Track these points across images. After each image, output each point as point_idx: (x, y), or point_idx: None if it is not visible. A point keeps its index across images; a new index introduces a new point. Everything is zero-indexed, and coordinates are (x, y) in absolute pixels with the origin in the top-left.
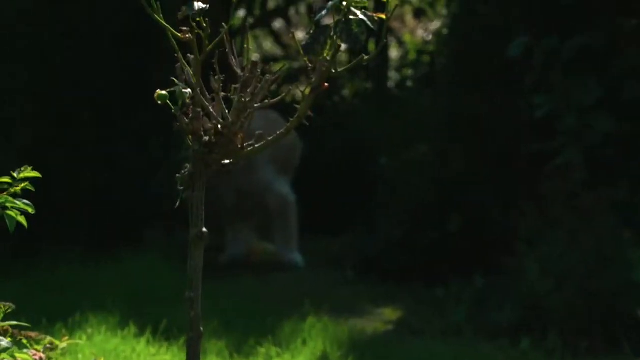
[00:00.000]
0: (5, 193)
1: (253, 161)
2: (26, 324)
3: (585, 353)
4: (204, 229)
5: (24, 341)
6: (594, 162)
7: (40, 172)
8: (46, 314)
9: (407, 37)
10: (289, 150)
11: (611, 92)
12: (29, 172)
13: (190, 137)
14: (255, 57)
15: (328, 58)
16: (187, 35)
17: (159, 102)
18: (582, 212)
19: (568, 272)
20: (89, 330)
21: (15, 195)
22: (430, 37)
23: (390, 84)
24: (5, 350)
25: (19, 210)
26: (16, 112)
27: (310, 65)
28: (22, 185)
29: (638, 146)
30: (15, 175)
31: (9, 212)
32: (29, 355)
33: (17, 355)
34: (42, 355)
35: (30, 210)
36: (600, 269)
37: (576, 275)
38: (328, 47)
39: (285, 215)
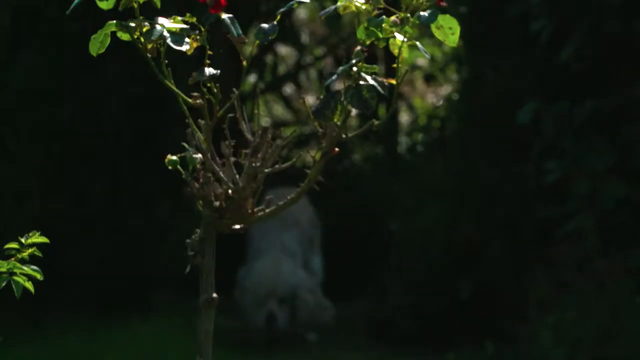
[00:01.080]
0: (13, 259)
1: None
2: None
3: None
4: (214, 295)
5: None
6: (606, 228)
7: (50, 239)
8: None
9: (417, 102)
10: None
11: (623, 157)
12: (37, 238)
13: (201, 202)
14: (265, 122)
15: (338, 123)
16: (198, 101)
17: (170, 167)
18: (595, 278)
19: (581, 340)
20: None
21: (23, 261)
22: (441, 102)
23: (401, 148)
24: None
25: (27, 276)
26: (31, 185)
27: (320, 130)
28: (30, 250)
29: None
30: (23, 241)
31: (16, 278)
32: None
33: None
34: None
35: (38, 276)
36: (614, 337)
37: (590, 342)
38: (338, 112)
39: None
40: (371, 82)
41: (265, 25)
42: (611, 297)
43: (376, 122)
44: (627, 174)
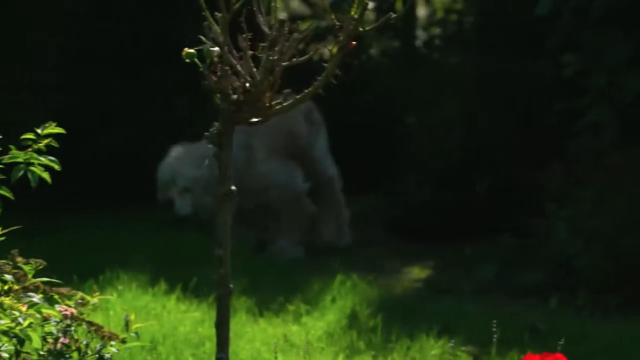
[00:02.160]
0: (29, 149)
1: None
2: (57, 281)
3: (614, 311)
4: (233, 187)
5: (56, 297)
6: (623, 121)
7: (70, 134)
8: (76, 271)
9: None
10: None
11: None
12: (53, 128)
13: (219, 95)
14: (282, 15)
15: (355, 16)
16: None
17: (187, 61)
18: (612, 171)
19: (597, 232)
20: (120, 287)
21: (39, 152)
22: None
23: (418, 42)
24: (33, 306)
25: (44, 167)
26: (51, 79)
27: (337, 23)
28: (46, 141)
29: None
30: (39, 131)
31: (32, 168)
32: (56, 311)
33: (43, 310)
34: (74, 311)
35: (55, 166)
36: (630, 228)
37: (605, 234)
38: (355, 5)
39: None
40: None
41: None
42: (627, 189)
43: (393, 16)
44: None
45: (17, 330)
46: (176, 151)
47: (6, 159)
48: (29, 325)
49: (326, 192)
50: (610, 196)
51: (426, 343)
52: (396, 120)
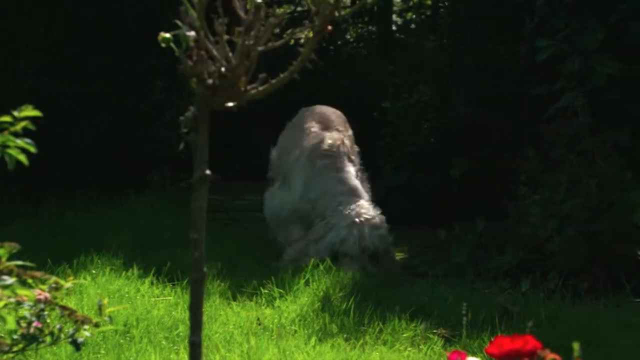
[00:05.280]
0: (6, 132)
1: None
2: (31, 264)
3: (585, 294)
4: (208, 171)
5: (29, 281)
6: (597, 106)
7: (49, 118)
8: (51, 255)
9: None
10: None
11: (615, 35)
12: (30, 111)
13: (194, 79)
14: (258, 0)
15: (331, 1)
16: None
17: (163, 45)
18: (585, 155)
19: (570, 215)
20: (94, 271)
21: (16, 134)
22: None
23: (394, 27)
24: (7, 287)
25: (20, 149)
26: (31, 64)
27: (313, 8)
28: (23, 124)
29: None
30: (15, 114)
31: (9, 151)
32: (31, 291)
33: (18, 291)
34: (47, 295)
35: (31, 149)
36: (602, 212)
37: (578, 218)
38: None
39: None
40: None
41: None
42: (600, 173)
43: (369, 0)
44: (619, 52)
45: None
46: None
47: None
48: (5, 307)
49: None
50: (583, 180)
51: (398, 326)
52: (372, 105)
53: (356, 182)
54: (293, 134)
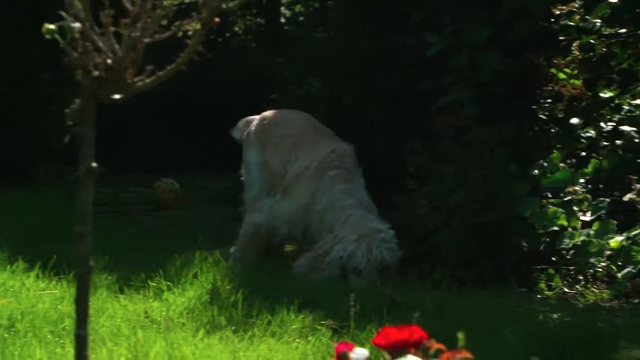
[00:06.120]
0: None
1: None
2: None
3: (471, 285)
4: (94, 164)
5: None
6: (483, 100)
7: None
8: None
9: None
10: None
11: (501, 31)
12: None
13: (80, 71)
14: None
15: None
16: None
17: (48, 37)
18: (471, 148)
19: (456, 207)
20: None
21: None
22: None
23: (282, 19)
24: None
25: None
26: None
27: (200, 0)
28: None
29: (525, 84)
30: None
31: None
32: None
33: None
34: None
35: None
36: (488, 204)
37: (464, 210)
38: None
39: None
40: None
41: None
42: (486, 165)
43: None
44: (504, 48)
45: None
46: None
47: None
48: None
49: None
50: (469, 173)
51: (287, 317)
52: (261, 97)
53: (365, 195)
54: (295, 143)
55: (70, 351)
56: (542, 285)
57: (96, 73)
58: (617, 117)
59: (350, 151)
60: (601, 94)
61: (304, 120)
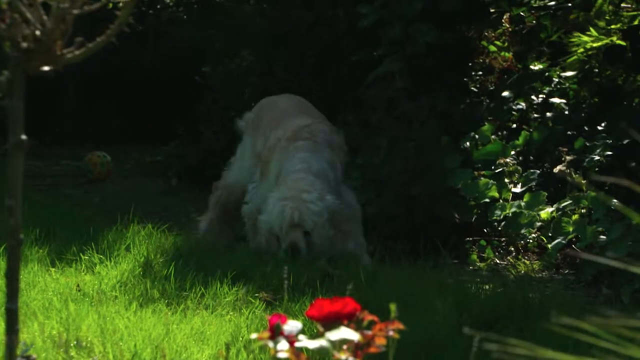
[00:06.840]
0: None
1: None
2: None
3: (404, 256)
4: (24, 137)
5: None
6: (415, 72)
7: None
8: None
9: None
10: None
11: (433, 3)
12: None
13: (8, 43)
14: None
15: None
16: None
17: None
18: (403, 120)
19: (389, 179)
20: None
21: None
22: None
23: None
24: None
25: None
26: None
27: None
28: None
29: (456, 57)
30: None
31: None
32: None
33: None
34: None
35: None
36: (420, 175)
37: (396, 181)
38: None
39: None
40: None
41: None
42: (418, 137)
43: None
44: (436, 20)
45: None
46: None
47: None
48: None
49: None
50: (401, 144)
51: (220, 290)
52: (193, 70)
53: (322, 165)
54: (274, 117)
55: (1, 325)
56: (474, 256)
57: (25, 45)
58: (547, 89)
59: (327, 130)
60: (531, 67)
61: (292, 102)
